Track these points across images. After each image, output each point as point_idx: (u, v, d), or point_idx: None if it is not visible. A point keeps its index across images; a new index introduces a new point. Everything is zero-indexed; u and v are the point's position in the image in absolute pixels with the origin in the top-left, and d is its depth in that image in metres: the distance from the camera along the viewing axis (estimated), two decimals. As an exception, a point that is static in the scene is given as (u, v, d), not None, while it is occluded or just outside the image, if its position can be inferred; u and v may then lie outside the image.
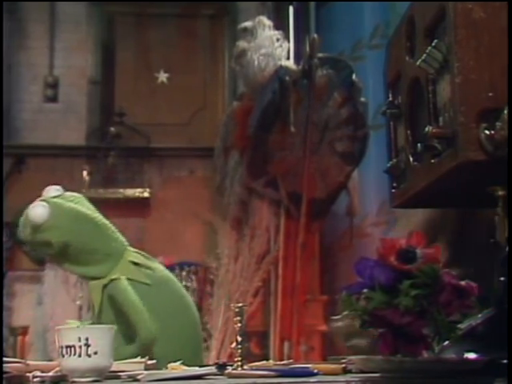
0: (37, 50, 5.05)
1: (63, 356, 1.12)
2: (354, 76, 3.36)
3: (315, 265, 3.30)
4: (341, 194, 3.36)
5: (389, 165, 1.40)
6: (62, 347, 1.12)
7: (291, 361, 1.29)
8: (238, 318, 1.18)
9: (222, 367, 1.17)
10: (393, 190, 1.41)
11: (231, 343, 1.19)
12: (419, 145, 1.17)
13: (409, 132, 1.30)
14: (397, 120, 1.37)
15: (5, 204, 4.72)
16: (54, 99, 5.00)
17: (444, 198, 1.33)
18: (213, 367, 1.17)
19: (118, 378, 1.17)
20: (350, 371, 1.06)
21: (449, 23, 1.09)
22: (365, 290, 0.93)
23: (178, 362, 1.24)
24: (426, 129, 1.14)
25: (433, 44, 1.13)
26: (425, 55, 1.14)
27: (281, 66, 3.41)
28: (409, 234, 0.94)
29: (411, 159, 1.27)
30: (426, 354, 0.95)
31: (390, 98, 1.39)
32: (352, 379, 0.93)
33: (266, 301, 3.24)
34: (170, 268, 3.67)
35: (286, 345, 3.05)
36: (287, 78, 3.39)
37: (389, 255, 0.93)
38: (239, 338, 1.17)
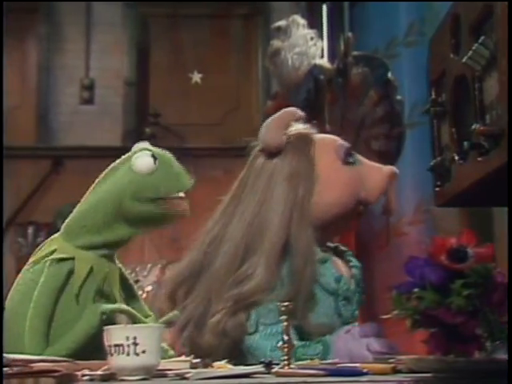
0: (73, 52, 5.12)
1: (112, 355, 1.14)
2: (389, 74, 3.34)
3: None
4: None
5: (432, 163, 1.39)
6: (110, 346, 1.14)
7: (336, 360, 1.29)
8: (285, 317, 1.18)
9: (268, 366, 1.17)
10: (437, 189, 1.39)
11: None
12: (465, 143, 1.16)
13: (454, 130, 1.28)
14: (441, 118, 1.36)
15: (43, 205, 4.79)
16: (89, 101, 5.07)
17: (489, 197, 1.32)
18: (259, 366, 1.17)
19: (165, 376, 1.18)
20: (399, 371, 1.05)
21: (496, 20, 1.08)
22: (415, 290, 0.92)
23: None
24: (473, 126, 1.13)
25: (479, 41, 1.12)
26: (471, 52, 1.12)
27: (315, 65, 3.41)
28: (460, 232, 0.94)
29: (456, 158, 1.26)
30: (478, 355, 0.94)
31: (434, 96, 1.38)
32: (404, 379, 0.92)
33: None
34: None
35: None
36: (322, 77, 3.39)
37: (439, 254, 0.92)
38: (285, 337, 1.17)
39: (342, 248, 1.65)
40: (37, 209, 4.84)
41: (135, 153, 1.45)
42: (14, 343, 1.34)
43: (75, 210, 1.45)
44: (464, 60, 1.15)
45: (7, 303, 1.41)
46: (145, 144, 1.49)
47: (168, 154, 1.46)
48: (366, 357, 1.32)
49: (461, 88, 1.24)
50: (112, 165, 1.47)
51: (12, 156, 4.94)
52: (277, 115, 1.60)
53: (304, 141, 1.58)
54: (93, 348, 1.29)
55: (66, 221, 1.45)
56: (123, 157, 1.47)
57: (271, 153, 1.55)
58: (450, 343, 0.92)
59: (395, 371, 1.05)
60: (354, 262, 1.64)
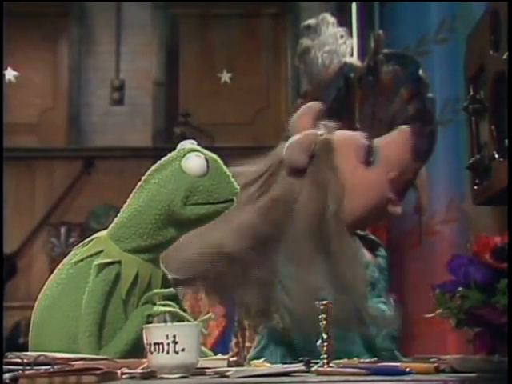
0: (104, 54, 5.18)
1: (151, 353, 1.14)
2: (420, 71, 3.30)
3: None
4: (409, 191, 3.31)
5: (471, 161, 1.37)
6: (150, 344, 1.15)
7: (376, 359, 1.29)
8: (324, 316, 1.18)
9: (307, 364, 1.17)
10: (475, 187, 1.38)
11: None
12: (507, 140, 1.15)
13: (493, 127, 1.27)
14: (479, 115, 1.35)
15: (76, 205, 4.85)
16: (120, 102, 5.12)
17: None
18: (299, 364, 1.17)
19: (204, 374, 1.19)
20: (442, 370, 1.04)
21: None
22: (459, 289, 0.91)
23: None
24: (514, 124, 1.11)
25: (520, 37, 1.10)
26: None
27: (345, 63, 3.37)
28: (503, 231, 0.93)
29: (496, 155, 1.25)
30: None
31: (471, 93, 1.37)
32: (449, 379, 0.91)
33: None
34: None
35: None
36: (352, 75, 3.36)
37: (483, 253, 0.91)
38: (325, 336, 1.17)
39: (371, 237, 1.65)
40: (69, 209, 4.90)
41: (183, 153, 1.39)
42: (51, 336, 1.36)
43: (122, 211, 1.42)
44: (504, 56, 1.14)
45: (42, 298, 1.42)
46: (191, 144, 1.42)
47: (217, 157, 1.39)
48: None
49: (500, 84, 1.23)
50: (156, 164, 1.41)
51: (44, 157, 5.02)
52: (299, 138, 1.58)
53: (326, 152, 1.59)
54: (140, 349, 1.30)
55: (114, 221, 1.43)
56: (169, 156, 1.41)
57: (297, 170, 1.55)
58: (495, 343, 0.91)
59: (438, 371, 1.04)
60: (382, 251, 1.64)
